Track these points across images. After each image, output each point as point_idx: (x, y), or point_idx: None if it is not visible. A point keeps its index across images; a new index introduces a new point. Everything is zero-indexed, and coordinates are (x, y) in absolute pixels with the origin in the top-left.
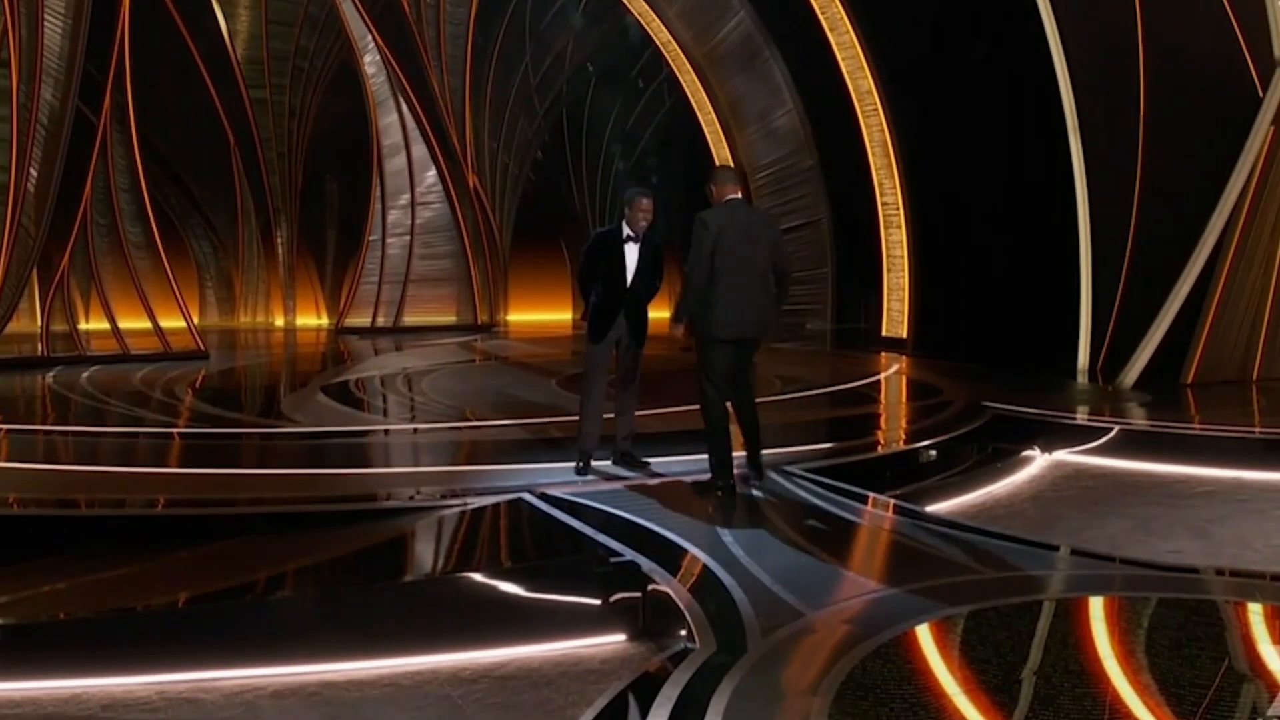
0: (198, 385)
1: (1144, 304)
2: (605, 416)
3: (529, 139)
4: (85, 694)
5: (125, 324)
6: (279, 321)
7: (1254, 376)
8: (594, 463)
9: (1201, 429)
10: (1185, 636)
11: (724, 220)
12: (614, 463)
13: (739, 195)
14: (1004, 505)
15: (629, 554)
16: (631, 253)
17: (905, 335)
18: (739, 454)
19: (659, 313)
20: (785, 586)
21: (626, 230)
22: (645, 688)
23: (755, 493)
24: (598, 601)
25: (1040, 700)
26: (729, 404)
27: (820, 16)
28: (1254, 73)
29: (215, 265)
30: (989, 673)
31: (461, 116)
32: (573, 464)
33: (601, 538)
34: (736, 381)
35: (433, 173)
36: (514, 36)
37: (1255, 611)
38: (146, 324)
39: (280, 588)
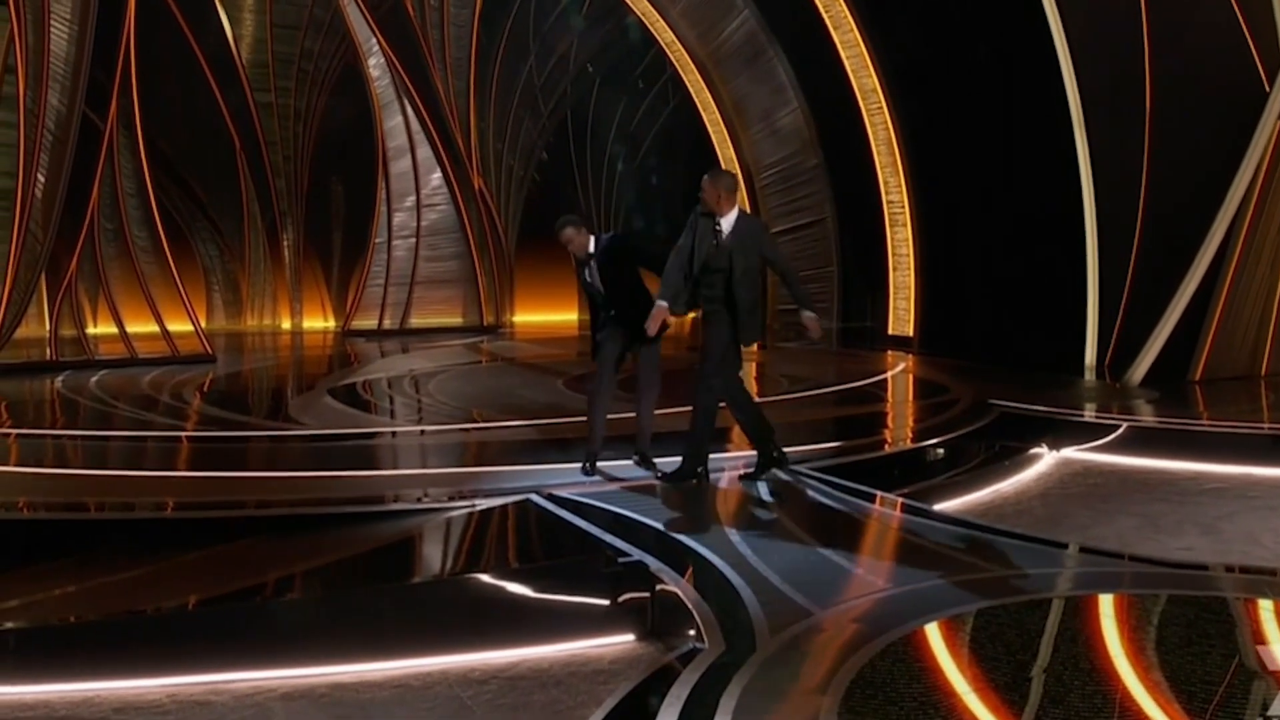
0: (205, 389)
1: (1151, 300)
2: (613, 417)
3: (533, 140)
4: (97, 697)
5: (133, 328)
6: (285, 324)
7: (1262, 372)
8: (601, 463)
9: (1210, 425)
10: (1195, 634)
11: None
12: (636, 464)
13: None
14: (1012, 503)
15: (637, 554)
16: (591, 273)
17: (911, 334)
18: (749, 452)
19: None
20: (793, 585)
21: (581, 254)
22: (654, 688)
23: (763, 490)
24: (606, 602)
25: (1050, 698)
26: (723, 402)
27: (824, 15)
28: (1260, 67)
29: (222, 268)
30: (998, 671)
31: (466, 118)
32: (579, 464)
33: (609, 538)
34: (733, 375)
35: (438, 175)
36: (518, 38)
37: (1265, 608)
38: (154, 328)
39: (289, 590)
